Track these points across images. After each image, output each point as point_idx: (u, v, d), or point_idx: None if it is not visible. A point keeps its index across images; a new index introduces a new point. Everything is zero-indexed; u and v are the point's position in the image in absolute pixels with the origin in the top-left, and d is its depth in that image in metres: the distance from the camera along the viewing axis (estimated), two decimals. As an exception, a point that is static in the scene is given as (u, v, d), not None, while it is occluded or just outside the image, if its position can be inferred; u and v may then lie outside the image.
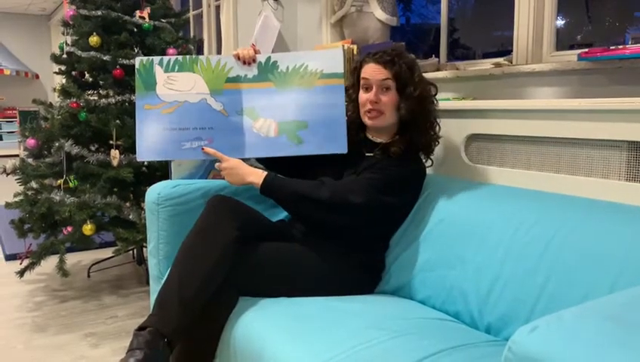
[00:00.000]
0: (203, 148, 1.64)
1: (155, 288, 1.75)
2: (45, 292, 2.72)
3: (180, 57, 1.71)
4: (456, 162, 1.74)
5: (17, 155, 6.45)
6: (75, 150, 2.53)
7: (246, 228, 1.46)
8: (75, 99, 2.55)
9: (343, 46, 2.27)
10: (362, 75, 1.59)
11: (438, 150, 1.69)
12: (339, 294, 1.49)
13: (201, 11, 4.09)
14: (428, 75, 1.83)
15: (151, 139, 1.66)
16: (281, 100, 1.67)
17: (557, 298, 1.18)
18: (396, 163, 1.56)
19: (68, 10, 2.73)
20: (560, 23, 2.01)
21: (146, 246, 2.33)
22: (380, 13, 2.55)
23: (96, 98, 2.61)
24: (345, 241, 1.56)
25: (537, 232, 1.28)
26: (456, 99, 2.03)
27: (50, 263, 2.65)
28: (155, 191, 1.74)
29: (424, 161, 1.66)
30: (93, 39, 2.61)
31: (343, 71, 1.67)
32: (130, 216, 2.51)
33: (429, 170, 1.69)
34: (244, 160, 1.63)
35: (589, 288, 1.13)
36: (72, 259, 3.10)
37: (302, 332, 1.22)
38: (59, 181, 2.52)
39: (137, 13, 2.72)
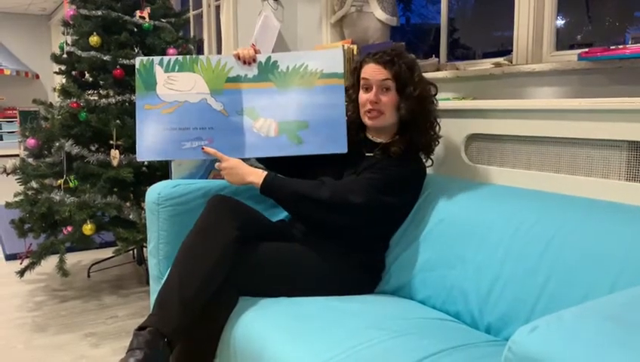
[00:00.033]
0: (203, 148, 1.64)
1: (155, 288, 1.76)
2: (45, 292, 2.72)
3: (180, 57, 1.71)
4: (457, 162, 1.74)
5: (17, 155, 6.45)
6: (76, 150, 2.53)
7: (246, 228, 1.46)
8: (75, 99, 2.56)
9: (343, 46, 2.27)
10: (362, 75, 1.59)
11: (438, 150, 1.69)
12: (339, 294, 1.49)
13: (201, 11, 4.09)
14: (428, 75, 1.83)
15: (151, 139, 1.66)
16: (281, 100, 1.67)
17: (557, 298, 1.18)
18: (396, 163, 1.56)
19: (68, 10, 2.73)
20: (560, 22, 2.01)
21: (146, 246, 2.33)
22: (380, 13, 2.55)
23: (96, 98, 2.61)
24: (345, 241, 1.56)
25: (537, 232, 1.28)
26: (456, 99, 2.03)
27: (50, 263, 2.65)
28: (155, 191, 1.74)
29: (424, 160, 1.66)
30: (94, 39, 2.61)
31: (343, 71, 1.67)
32: (131, 216, 2.51)
33: (429, 170, 1.69)
34: (244, 160, 1.63)
35: (589, 288, 1.13)
36: (72, 258, 3.10)
37: (302, 332, 1.22)
38: (59, 181, 2.53)
39: (137, 13, 2.72)
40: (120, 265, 3.12)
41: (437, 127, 1.62)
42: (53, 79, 8.21)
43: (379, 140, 1.63)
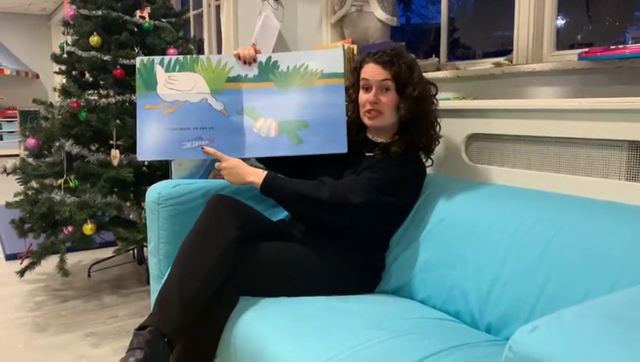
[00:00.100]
0: (203, 148, 1.64)
1: (155, 287, 1.76)
2: (46, 291, 2.72)
3: (180, 57, 1.71)
4: (457, 162, 1.74)
5: (18, 155, 6.45)
6: (76, 150, 2.53)
7: (246, 227, 1.46)
8: (75, 99, 2.56)
9: (343, 46, 2.27)
10: (362, 75, 1.59)
11: (438, 150, 1.69)
12: (339, 294, 1.49)
13: (202, 11, 4.09)
14: (428, 75, 1.83)
15: (152, 138, 1.66)
16: (281, 100, 1.67)
17: (557, 297, 1.18)
18: (396, 163, 1.56)
19: (68, 10, 2.73)
20: (560, 22, 2.01)
21: (146, 246, 2.33)
22: (380, 13, 2.55)
23: (96, 98, 2.61)
24: (345, 241, 1.56)
25: (538, 232, 1.28)
26: (456, 98, 2.03)
27: (50, 263, 2.65)
28: (155, 191, 1.74)
29: (424, 160, 1.66)
30: (94, 39, 2.61)
31: (343, 71, 1.67)
32: (131, 216, 2.51)
33: (429, 170, 1.69)
34: (244, 160, 1.63)
35: (589, 287, 1.13)
36: (73, 258, 3.10)
37: (302, 331, 1.22)
38: (59, 181, 2.53)
39: (138, 12, 2.72)
40: (120, 264, 3.12)
41: (437, 127, 1.62)
42: (53, 79, 8.21)
43: (379, 140, 1.63)
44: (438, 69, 2.30)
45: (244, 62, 1.69)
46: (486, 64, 2.12)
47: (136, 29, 2.75)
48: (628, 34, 2.06)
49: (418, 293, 1.51)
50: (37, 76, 9.65)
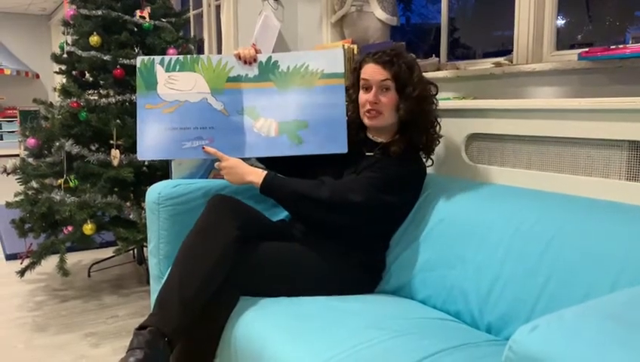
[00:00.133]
0: (203, 148, 1.64)
1: (155, 287, 1.76)
2: (46, 291, 2.72)
3: (180, 57, 1.71)
4: (457, 162, 1.74)
5: (18, 155, 6.46)
6: (76, 150, 2.53)
7: (246, 227, 1.46)
8: (75, 99, 2.56)
9: (344, 46, 2.27)
10: (362, 75, 1.59)
11: (438, 150, 1.69)
12: (339, 294, 1.49)
13: (202, 11, 4.09)
14: (428, 75, 1.83)
15: (152, 138, 1.66)
16: (281, 100, 1.67)
17: (557, 297, 1.18)
18: (396, 162, 1.56)
19: (68, 10, 2.73)
20: (560, 22, 2.01)
21: (146, 246, 2.33)
22: (380, 13, 2.55)
23: (96, 98, 2.61)
24: (345, 241, 1.56)
25: (538, 232, 1.28)
26: (456, 98, 2.03)
27: (50, 263, 2.65)
28: (155, 191, 1.74)
29: (424, 160, 1.66)
30: (94, 39, 2.61)
31: (343, 71, 1.67)
32: (131, 216, 2.51)
33: (429, 170, 1.69)
34: (244, 159, 1.63)
35: (589, 287, 1.13)
36: (73, 258, 3.10)
37: (302, 331, 1.22)
38: (59, 180, 2.53)
39: (138, 12, 2.72)
40: (120, 264, 3.12)
41: (437, 127, 1.62)
42: (53, 79, 8.21)
43: (379, 140, 1.63)
44: (438, 69, 2.30)
45: (245, 62, 1.69)
46: (486, 64, 2.12)
47: (136, 29, 2.76)
48: (628, 34, 2.06)
49: (418, 293, 1.51)
50: (37, 76, 9.65)
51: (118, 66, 2.61)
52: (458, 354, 1.12)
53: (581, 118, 1.39)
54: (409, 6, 3.63)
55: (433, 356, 1.09)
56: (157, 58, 1.71)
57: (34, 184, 2.64)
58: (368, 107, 1.57)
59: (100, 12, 2.64)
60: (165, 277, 1.43)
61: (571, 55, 1.87)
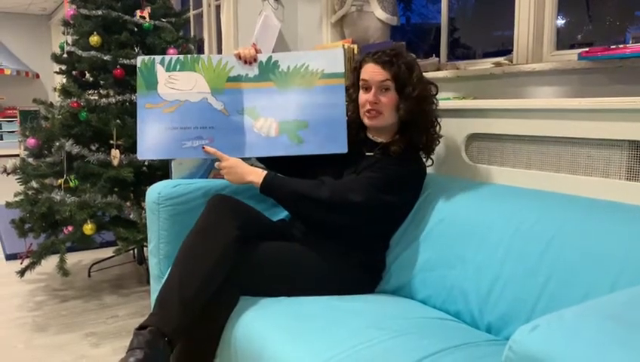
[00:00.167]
0: (203, 147, 1.64)
1: (155, 287, 1.76)
2: (46, 291, 2.72)
3: (181, 56, 1.71)
4: (457, 162, 1.74)
5: (18, 155, 6.45)
6: (76, 150, 2.53)
7: (246, 227, 1.46)
8: (75, 99, 2.56)
9: (344, 45, 2.27)
10: (362, 75, 1.59)
11: (438, 149, 1.69)
12: (339, 293, 1.49)
13: (202, 11, 4.09)
14: (428, 75, 1.83)
15: (152, 138, 1.66)
16: (281, 100, 1.67)
17: (557, 297, 1.18)
18: (396, 162, 1.56)
19: (68, 10, 2.74)
20: (560, 22, 2.01)
21: (146, 246, 2.33)
22: (380, 13, 2.55)
23: (96, 98, 2.61)
24: (345, 241, 1.56)
25: (538, 231, 1.28)
26: (456, 98, 2.03)
27: (50, 263, 2.65)
28: (155, 191, 1.74)
29: (424, 160, 1.66)
30: (94, 39, 2.61)
31: (343, 71, 1.67)
32: (131, 216, 2.51)
33: (429, 170, 1.69)
34: (244, 159, 1.63)
35: (589, 287, 1.13)
36: (73, 258, 3.10)
37: (302, 331, 1.22)
38: (59, 180, 2.53)
39: (138, 12, 2.72)
40: (120, 264, 3.12)
41: (437, 127, 1.62)
42: (53, 79, 8.22)
43: (379, 140, 1.63)
44: (439, 69, 2.30)
45: (245, 62, 1.69)
46: (486, 64, 2.12)
47: (136, 29, 2.76)
48: (628, 33, 2.06)
49: (418, 293, 1.51)
50: (37, 76, 9.65)
51: (118, 66, 2.61)
52: (458, 354, 1.12)
53: (581, 118, 1.39)
54: (409, 6, 3.63)
55: (433, 356, 1.09)
56: (157, 58, 1.71)
57: (34, 184, 2.64)
58: (368, 107, 1.57)
59: (100, 12, 2.64)
60: (165, 277, 1.43)
61: (571, 55, 1.87)
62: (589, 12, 2.38)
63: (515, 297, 1.26)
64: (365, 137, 1.66)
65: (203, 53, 4.00)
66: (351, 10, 2.63)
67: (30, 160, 2.70)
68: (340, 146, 1.62)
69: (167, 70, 1.70)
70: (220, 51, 3.83)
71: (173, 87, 1.68)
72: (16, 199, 2.60)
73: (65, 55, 2.75)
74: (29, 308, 2.49)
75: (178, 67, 1.70)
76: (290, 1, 3.00)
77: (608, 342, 0.63)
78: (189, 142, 1.66)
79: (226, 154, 1.61)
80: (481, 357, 1.12)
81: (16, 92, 9.36)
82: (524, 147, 1.57)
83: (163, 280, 1.51)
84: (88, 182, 2.52)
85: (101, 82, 2.66)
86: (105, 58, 2.61)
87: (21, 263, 2.62)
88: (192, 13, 4.36)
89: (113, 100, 2.61)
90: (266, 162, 1.75)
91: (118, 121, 2.56)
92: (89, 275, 2.95)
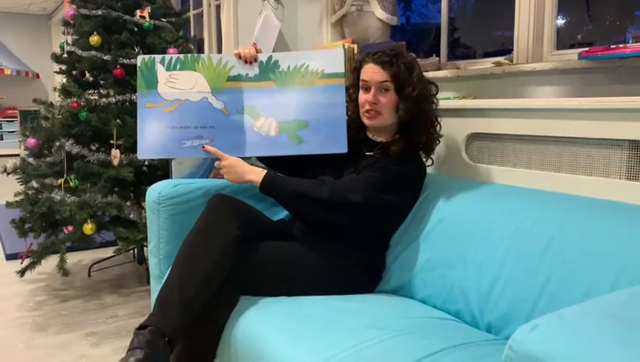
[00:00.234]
0: (203, 147, 1.64)
1: (155, 287, 1.76)
2: (46, 291, 2.72)
3: (181, 56, 1.71)
4: (457, 161, 1.74)
5: (18, 155, 6.46)
6: (76, 149, 2.53)
7: (246, 227, 1.46)
8: (75, 99, 2.56)
9: (344, 45, 2.27)
10: (361, 76, 1.59)
11: (438, 149, 1.69)
12: (339, 293, 1.49)
13: (202, 10, 4.09)
14: (428, 74, 1.83)
15: (152, 137, 1.66)
16: (282, 99, 1.67)
17: (558, 296, 1.18)
18: (396, 161, 1.56)
19: (68, 10, 2.73)
20: (560, 22, 2.01)
21: (146, 246, 2.33)
22: (380, 13, 2.55)
23: (96, 97, 2.61)
24: (345, 240, 1.56)
25: (538, 231, 1.28)
26: (456, 98, 2.03)
27: (50, 262, 2.65)
28: (155, 191, 1.74)
29: (424, 160, 1.66)
30: (94, 39, 2.61)
31: (343, 70, 1.67)
32: (131, 216, 2.51)
33: (429, 170, 1.69)
34: (245, 159, 1.63)
35: (589, 287, 1.13)
36: (73, 258, 3.10)
37: (302, 331, 1.22)
38: (59, 180, 2.53)
39: (138, 12, 2.72)
40: (120, 264, 3.12)
41: (437, 127, 1.62)
42: (53, 79, 8.22)
43: (379, 139, 1.63)
44: (439, 69, 2.30)
45: (245, 62, 1.69)
46: (486, 63, 2.12)
47: (136, 29, 2.75)
48: (628, 33, 2.06)
49: (418, 293, 1.51)
50: (37, 76, 9.65)
51: (118, 66, 2.61)
52: (458, 354, 1.12)
53: (581, 118, 1.39)
54: (409, 6, 3.63)
55: (433, 355, 1.09)
56: (158, 57, 1.71)
57: (34, 184, 2.64)
58: (367, 107, 1.57)
59: (100, 12, 2.64)
60: (165, 277, 1.43)
61: (571, 54, 1.87)
62: (589, 12, 2.38)
63: (516, 297, 1.26)
64: (365, 137, 1.66)
65: (203, 52, 4.00)
66: (351, 10, 2.63)
67: (30, 160, 2.70)
68: (340, 146, 1.62)
69: (168, 69, 1.70)
70: (220, 51, 3.83)
71: (174, 86, 1.68)
72: (17, 199, 2.60)
73: (65, 55, 2.75)
74: (29, 308, 2.49)
75: (178, 66, 1.70)
76: (290, 1, 3.00)
77: (609, 342, 0.63)
78: (189, 141, 1.66)
79: (226, 153, 1.61)
80: (482, 357, 1.12)
81: (17, 92, 9.36)
82: (525, 147, 1.57)
83: (163, 280, 1.51)
84: (88, 182, 2.52)
85: (101, 82, 2.66)
86: (105, 58, 2.61)
87: (21, 263, 2.62)
88: (192, 13, 4.36)
89: (113, 100, 2.60)
90: (266, 161, 1.75)
91: (118, 120, 2.56)
92: (89, 275, 2.95)
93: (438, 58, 2.40)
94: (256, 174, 1.54)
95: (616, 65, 1.59)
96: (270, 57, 1.71)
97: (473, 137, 1.72)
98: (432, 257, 1.50)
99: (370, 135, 1.66)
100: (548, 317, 0.70)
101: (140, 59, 1.70)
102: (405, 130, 1.60)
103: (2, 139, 9.18)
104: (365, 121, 1.60)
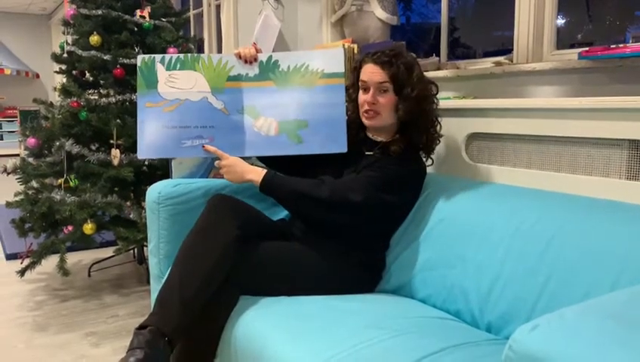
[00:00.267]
0: (203, 146, 1.64)
1: (155, 287, 1.76)
2: (46, 291, 2.72)
3: (181, 55, 1.71)
4: (457, 161, 1.74)
5: (18, 155, 6.46)
6: (76, 149, 2.53)
7: (246, 227, 1.46)
8: (75, 99, 2.56)
9: (344, 45, 2.27)
10: (361, 76, 1.59)
11: (438, 149, 1.69)
12: (339, 293, 1.49)
13: (202, 10, 4.09)
14: (428, 74, 1.83)
15: (152, 136, 1.66)
16: (281, 99, 1.67)
17: (558, 296, 1.18)
18: (396, 161, 1.56)
19: (68, 10, 2.73)
20: (560, 21, 2.01)
21: (146, 246, 2.33)
22: (380, 13, 2.55)
23: (96, 97, 2.61)
24: (345, 240, 1.56)
25: (538, 231, 1.28)
26: (456, 98, 2.03)
27: (50, 262, 2.65)
28: (155, 191, 1.74)
29: (424, 160, 1.66)
30: (94, 38, 2.61)
31: (343, 70, 1.67)
32: (131, 216, 2.51)
33: (429, 169, 1.69)
34: (245, 158, 1.63)
35: (589, 286, 1.13)
36: (73, 258, 3.10)
37: (302, 331, 1.22)
38: (59, 180, 2.53)
39: (138, 12, 2.72)
40: (120, 264, 3.12)
41: (437, 127, 1.61)
42: (53, 79, 8.22)
43: (379, 139, 1.63)
44: (439, 68, 2.30)
45: (245, 62, 1.69)
46: (486, 63, 2.12)
47: (136, 29, 2.75)
48: (628, 33, 2.06)
49: (418, 292, 1.51)
50: (37, 76, 9.65)
51: (118, 66, 2.61)
52: (458, 353, 1.12)
53: (581, 117, 1.39)
54: (409, 5, 3.62)
55: (433, 355, 1.09)
56: (158, 56, 1.71)
57: (34, 184, 2.64)
58: (366, 107, 1.57)
59: (100, 12, 2.64)
60: (165, 277, 1.43)
61: (571, 54, 1.87)
62: (589, 12, 2.38)
63: (516, 296, 1.26)
64: (365, 136, 1.66)
65: (203, 52, 4.00)
66: (351, 10, 2.63)
67: (30, 159, 2.70)
68: (340, 146, 1.62)
69: (168, 69, 1.70)
70: (220, 51, 3.83)
71: (174, 85, 1.68)
72: (17, 199, 2.60)
73: (65, 55, 2.75)
74: (29, 308, 2.49)
75: (178, 66, 1.70)
76: (290, 1, 3.00)
77: (608, 342, 0.63)
78: (189, 141, 1.66)
79: (225, 153, 1.61)
80: (481, 357, 1.12)
81: (17, 92, 9.37)
82: (525, 146, 1.57)
83: (163, 280, 1.51)
84: (88, 182, 2.52)
85: (101, 82, 2.66)
86: (105, 58, 2.61)
87: (21, 263, 2.62)
88: (192, 12, 4.36)
89: (113, 100, 2.60)
90: (266, 161, 1.75)
91: (118, 120, 2.56)
92: (89, 275, 2.95)
93: (438, 58, 2.40)
94: (256, 174, 1.54)
95: (616, 65, 1.59)
96: (270, 57, 1.71)
97: (473, 137, 1.72)
98: (432, 257, 1.50)
99: (370, 135, 1.66)
100: (548, 317, 0.70)
101: (140, 59, 1.70)
102: (405, 129, 1.60)
103: (2, 139, 9.19)
104: (364, 121, 1.60)
